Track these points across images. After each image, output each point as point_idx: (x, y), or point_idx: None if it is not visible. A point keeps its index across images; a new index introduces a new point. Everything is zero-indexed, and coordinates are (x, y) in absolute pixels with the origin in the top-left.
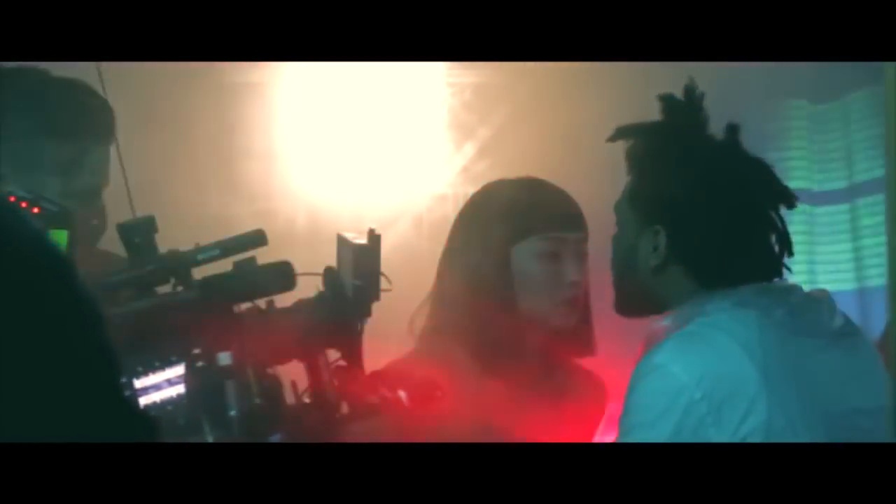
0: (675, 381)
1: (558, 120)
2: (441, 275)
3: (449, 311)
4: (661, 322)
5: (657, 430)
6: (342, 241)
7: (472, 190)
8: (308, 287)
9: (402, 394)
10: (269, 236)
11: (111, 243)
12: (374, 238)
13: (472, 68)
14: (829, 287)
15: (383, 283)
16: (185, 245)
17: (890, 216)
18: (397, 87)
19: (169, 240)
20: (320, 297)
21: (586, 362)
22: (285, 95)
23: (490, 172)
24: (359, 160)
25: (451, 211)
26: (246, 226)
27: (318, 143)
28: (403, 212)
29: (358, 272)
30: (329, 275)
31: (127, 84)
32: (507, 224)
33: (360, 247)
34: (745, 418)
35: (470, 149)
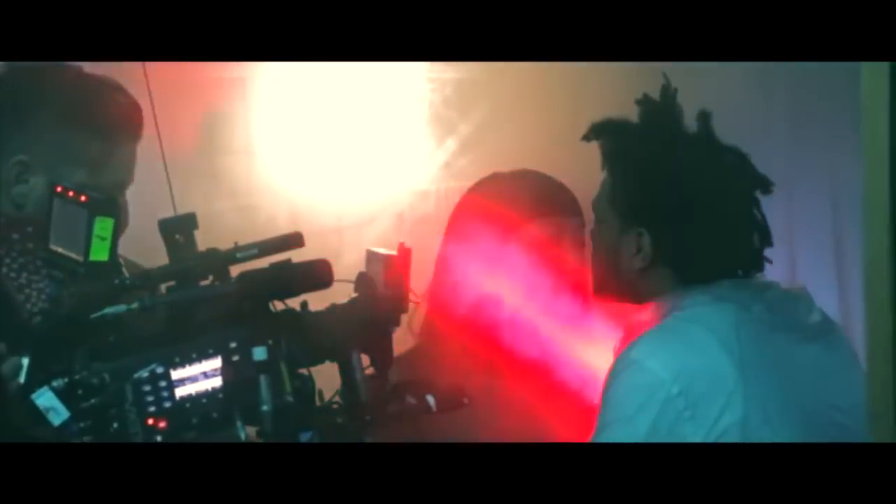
0: (652, 376)
1: (539, 115)
2: (439, 269)
3: (447, 307)
4: (639, 316)
5: (634, 425)
6: (372, 255)
7: (453, 185)
8: (330, 295)
9: (429, 399)
10: (251, 232)
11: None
12: (404, 251)
13: (453, 64)
14: (808, 281)
15: (410, 296)
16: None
17: (867, 213)
18: (378, 83)
19: (152, 235)
20: (353, 302)
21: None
22: (266, 91)
23: (471, 168)
24: (340, 156)
25: (433, 207)
26: (228, 221)
27: (299, 139)
28: (385, 208)
29: (388, 283)
30: (362, 281)
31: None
32: (503, 214)
33: (390, 258)
34: (722, 413)
35: (451, 144)
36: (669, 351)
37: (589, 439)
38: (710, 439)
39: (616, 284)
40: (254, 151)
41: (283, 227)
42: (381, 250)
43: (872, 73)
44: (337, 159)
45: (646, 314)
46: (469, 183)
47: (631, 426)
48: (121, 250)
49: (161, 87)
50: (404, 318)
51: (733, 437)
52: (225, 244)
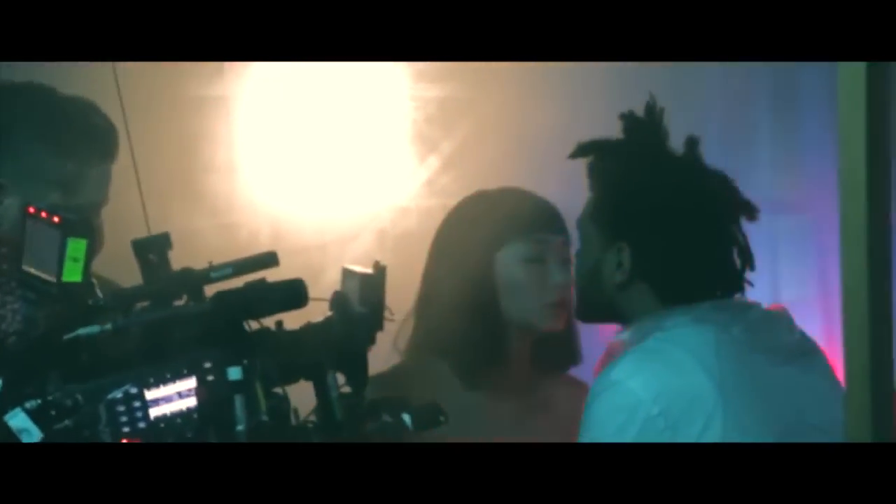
0: (632, 396)
1: (521, 134)
2: (423, 288)
3: (432, 324)
4: (620, 336)
5: None
6: (348, 273)
7: (435, 203)
8: (306, 313)
9: (405, 418)
10: (233, 250)
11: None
12: (381, 270)
13: (436, 83)
14: (790, 298)
15: (386, 314)
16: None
17: (844, 218)
18: (361, 101)
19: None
20: (329, 321)
21: (573, 371)
22: (248, 109)
23: (454, 185)
24: (322, 174)
25: (415, 224)
26: (209, 239)
27: (280, 157)
28: (367, 225)
29: (363, 301)
30: (337, 300)
31: (93, 98)
32: (488, 230)
33: (367, 277)
34: (701, 434)
35: (434, 162)
36: (650, 372)
37: None
38: None
39: (597, 301)
40: (235, 169)
41: (264, 245)
42: (357, 268)
43: (849, 74)
44: (319, 176)
45: (626, 335)
46: (451, 200)
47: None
48: (97, 269)
49: (142, 105)
50: (386, 335)
51: None
52: (206, 262)
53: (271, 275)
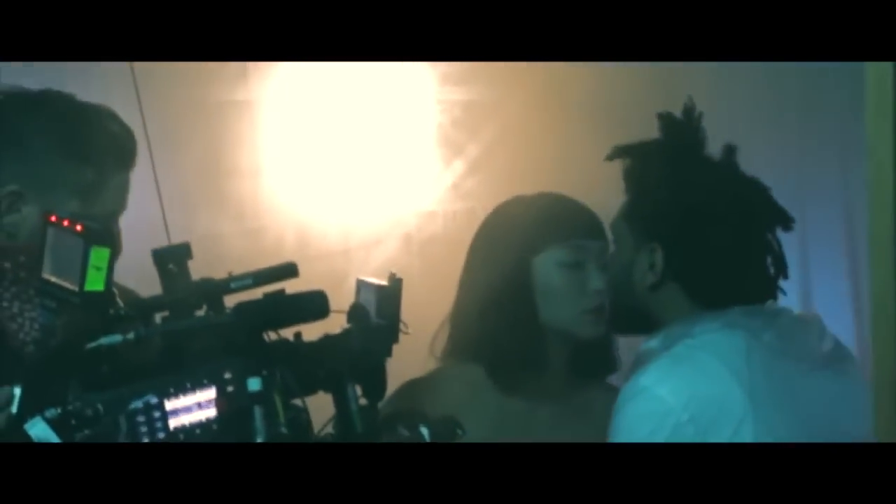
0: (661, 403)
1: (547, 137)
2: (461, 292)
3: (469, 330)
4: (649, 343)
5: None
6: (363, 284)
7: (461, 207)
8: (323, 324)
9: (423, 431)
10: (258, 254)
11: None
12: (396, 281)
13: (461, 85)
14: (823, 308)
15: (401, 326)
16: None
17: (873, 220)
18: (387, 104)
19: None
20: (347, 333)
21: (611, 378)
22: (273, 113)
23: (479, 189)
24: (348, 178)
25: (441, 228)
26: (234, 244)
27: (306, 161)
28: (392, 229)
29: (380, 313)
30: (355, 312)
31: (114, 105)
32: (527, 235)
33: (382, 289)
34: (731, 441)
35: (459, 166)
36: (679, 378)
37: None
38: None
39: (629, 304)
40: (261, 174)
41: (290, 250)
42: (373, 280)
43: (877, 74)
44: (344, 180)
45: (655, 341)
46: (477, 204)
47: None
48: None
49: (166, 110)
50: (420, 341)
51: None
52: (232, 267)
53: (295, 284)
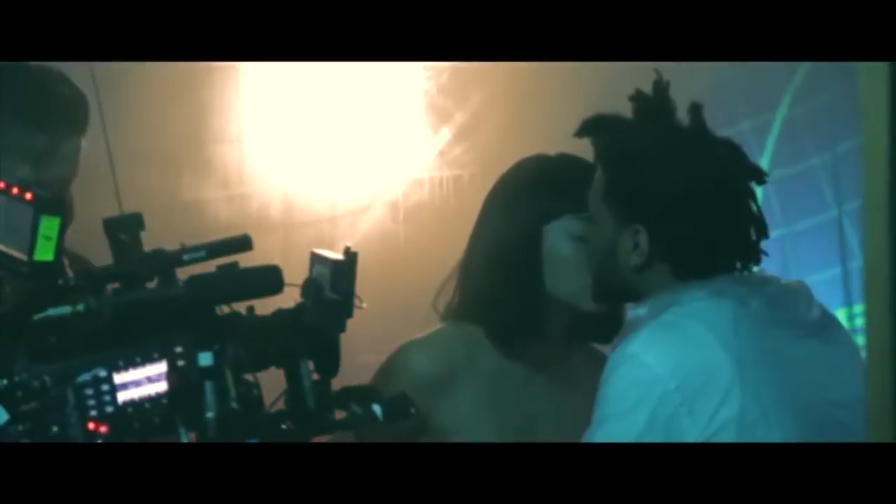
0: (648, 371)
1: (535, 103)
2: (470, 246)
3: (473, 290)
4: (637, 311)
5: (631, 420)
6: (317, 258)
7: (448, 174)
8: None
9: (376, 409)
10: (243, 221)
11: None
12: (351, 255)
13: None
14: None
15: (356, 302)
16: (164, 236)
17: (867, 213)
18: (373, 71)
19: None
20: (300, 307)
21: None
22: (259, 79)
23: (466, 156)
24: (334, 145)
25: (427, 195)
26: (219, 211)
27: (292, 128)
28: (379, 196)
29: (334, 288)
30: (309, 286)
31: (98, 69)
32: (539, 201)
33: (337, 263)
34: (718, 409)
35: (446, 133)
36: (666, 346)
37: (585, 433)
38: (707, 434)
39: (613, 282)
40: (246, 140)
41: (275, 217)
42: (328, 253)
43: (871, 74)
44: (331, 148)
45: (643, 309)
46: (464, 171)
47: (627, 421)
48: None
49: (151, 74)
50: (383, 302)
51: (730, 433)
52: (217, 233)
53: (281, 249)
